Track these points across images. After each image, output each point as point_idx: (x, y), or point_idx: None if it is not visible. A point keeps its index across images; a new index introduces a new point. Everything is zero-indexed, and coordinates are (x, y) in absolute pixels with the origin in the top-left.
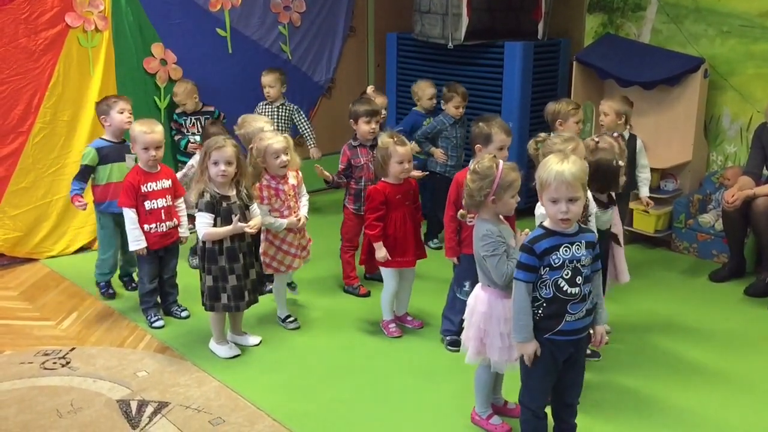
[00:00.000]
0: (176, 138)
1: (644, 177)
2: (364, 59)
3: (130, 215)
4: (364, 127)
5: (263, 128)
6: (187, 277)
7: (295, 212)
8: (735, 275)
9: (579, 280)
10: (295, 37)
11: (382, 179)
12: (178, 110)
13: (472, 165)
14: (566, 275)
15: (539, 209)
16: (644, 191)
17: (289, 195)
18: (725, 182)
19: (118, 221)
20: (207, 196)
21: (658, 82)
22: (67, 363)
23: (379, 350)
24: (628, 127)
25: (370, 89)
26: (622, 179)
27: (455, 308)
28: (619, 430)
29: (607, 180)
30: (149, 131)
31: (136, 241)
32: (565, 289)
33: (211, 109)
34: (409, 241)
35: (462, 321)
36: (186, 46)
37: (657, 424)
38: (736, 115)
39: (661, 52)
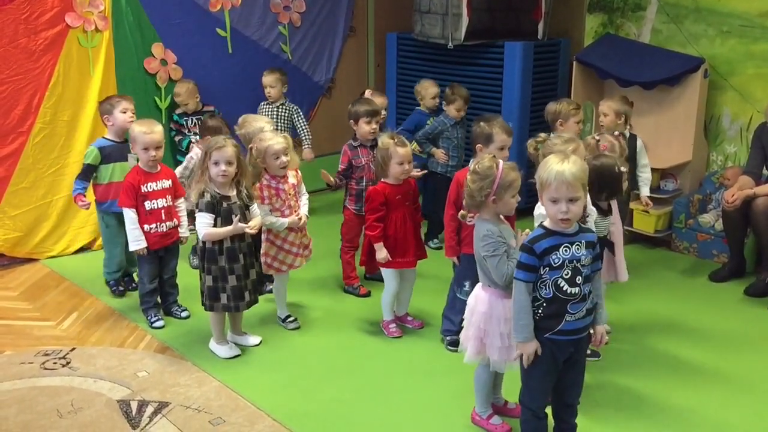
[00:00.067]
0: (177, 138)
1: (645, 177)
2: (364, 59)
3: (130, 215)
4: (364, 128)
5: (263, 128)
6: (187, 277)
7: (295, 211)
8: (735, 275)
9: (579, 279)
10: (295, 37)
11: (382, 180)
12: (178, 111)
13: (472, 165)
14: (566, 275)
15: (538, 209)
16: (645, 191)
17: (290, 194)
18: (725, 182)
19: (122, 219)
20: (207, 196)
21: (658, 82)
22: (68, 363)
23: (379, 350)
24: (628, 127)
25: (368, 93)
26: (625, 184)
27: (455, 308)
28: (619, 430)
29: (609, 186)
30: (149, 131)
31: (136, 241)
32: (565, 288)
33: (212, 109)
34: (410, 241)
35: (462, 321)
36: (186, 46)
37: (657, 424)
38: (736, 115)
39: (661, 52)
